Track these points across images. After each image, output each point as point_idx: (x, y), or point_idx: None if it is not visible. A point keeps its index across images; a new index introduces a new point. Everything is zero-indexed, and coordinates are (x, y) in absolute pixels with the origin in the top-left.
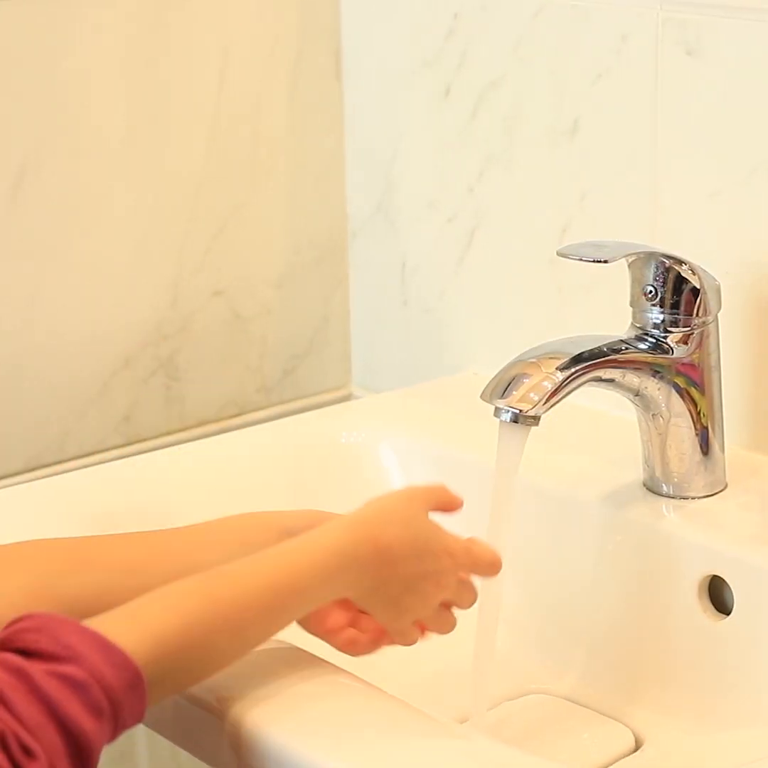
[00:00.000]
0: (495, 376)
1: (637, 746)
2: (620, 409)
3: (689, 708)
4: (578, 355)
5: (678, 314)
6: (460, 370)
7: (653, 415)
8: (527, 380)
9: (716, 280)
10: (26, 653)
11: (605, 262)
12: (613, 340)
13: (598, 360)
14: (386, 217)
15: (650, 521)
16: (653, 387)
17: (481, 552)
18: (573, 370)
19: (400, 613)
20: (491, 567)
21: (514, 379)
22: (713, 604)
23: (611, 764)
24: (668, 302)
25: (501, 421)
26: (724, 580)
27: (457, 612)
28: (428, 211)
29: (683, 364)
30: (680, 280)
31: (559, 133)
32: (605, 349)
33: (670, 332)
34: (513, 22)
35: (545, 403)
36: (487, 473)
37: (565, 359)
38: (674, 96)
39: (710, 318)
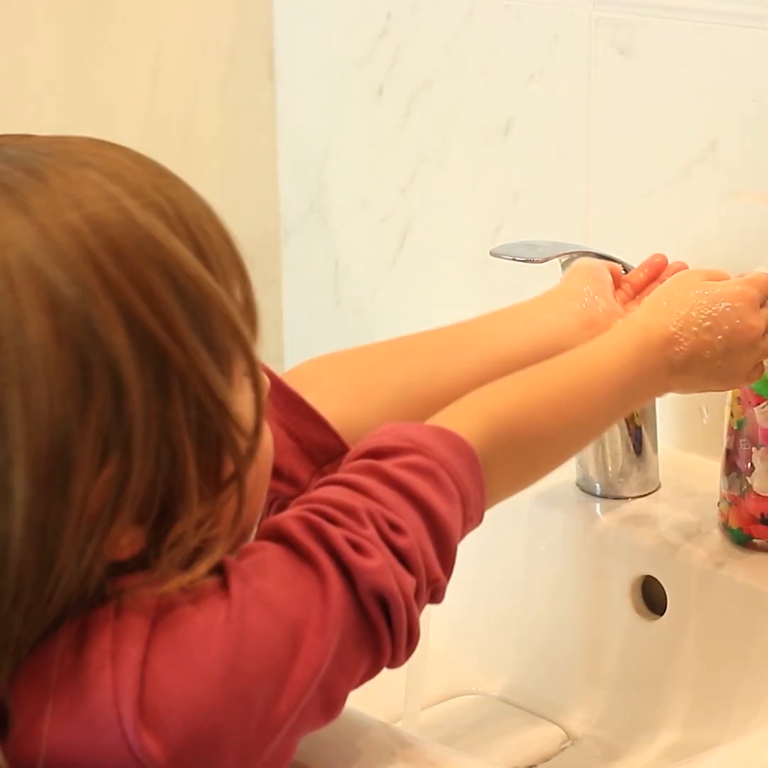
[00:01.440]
0: None
1: (569, 745)
2: None
3: (621, 708)
4: None
5: None
6: None
7: None
8: None
9: None
10: (374, 455)
11: (538, 262)
12: None
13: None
14: (319, 217)
15: (583, 521)
16: None
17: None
18: None
19: (732, 373)
20: None
21: None
22: (646, 604)
23: (542, 763)
24: None
25: None
26: (656, 580)
27: None
28: (361, 211)
29: None
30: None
31: (491, 133)
32: None
33: None
34: (445, 22)
35: None
36: None
37: None
38: (607, 96)
39: None
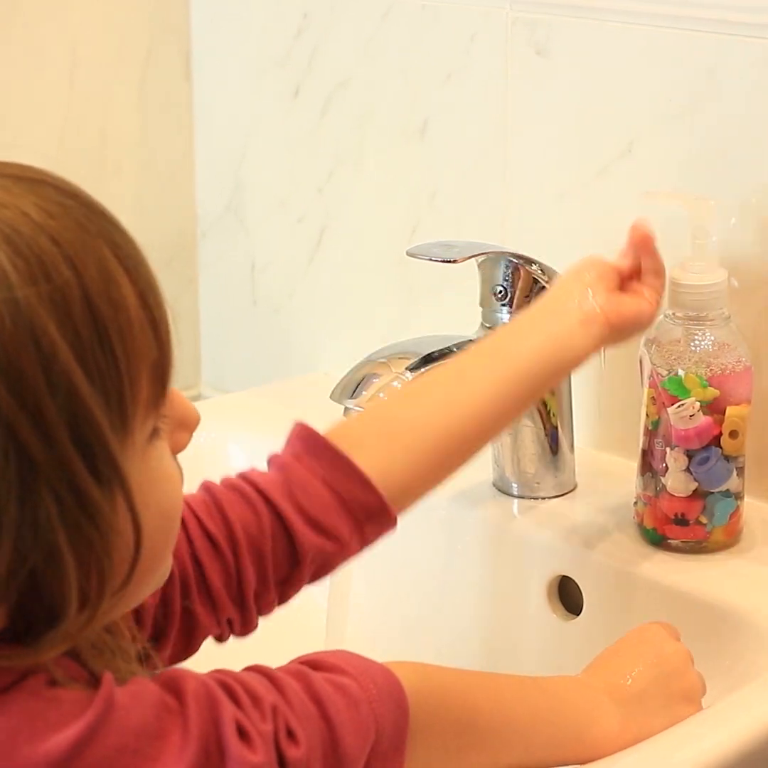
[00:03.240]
0: (345, 376)
1: None
2: None
3: None
4: (428, 355)
5: None
6: (310, 370)
7: None
8: (377, 380)
9: None
10: (311, 664)
11: (455, 261)
12: (463, 340)
13: (447, 360)
14: (236, 217)
15: (500, 521)
16: None
17: None
18: (422, 370)
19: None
20: None
21: (363, 379)
22: (563, 604)
23: None
24: (518, 302)
25: None
26: (573, 580)
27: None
28: (278, 211)
29: None
30: (530, 280)
31: (408, 133)
32: (455, 349)
33: None
34: (362, 21)
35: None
36: None
37: (415, 359)
38: (524, 96)
39: None
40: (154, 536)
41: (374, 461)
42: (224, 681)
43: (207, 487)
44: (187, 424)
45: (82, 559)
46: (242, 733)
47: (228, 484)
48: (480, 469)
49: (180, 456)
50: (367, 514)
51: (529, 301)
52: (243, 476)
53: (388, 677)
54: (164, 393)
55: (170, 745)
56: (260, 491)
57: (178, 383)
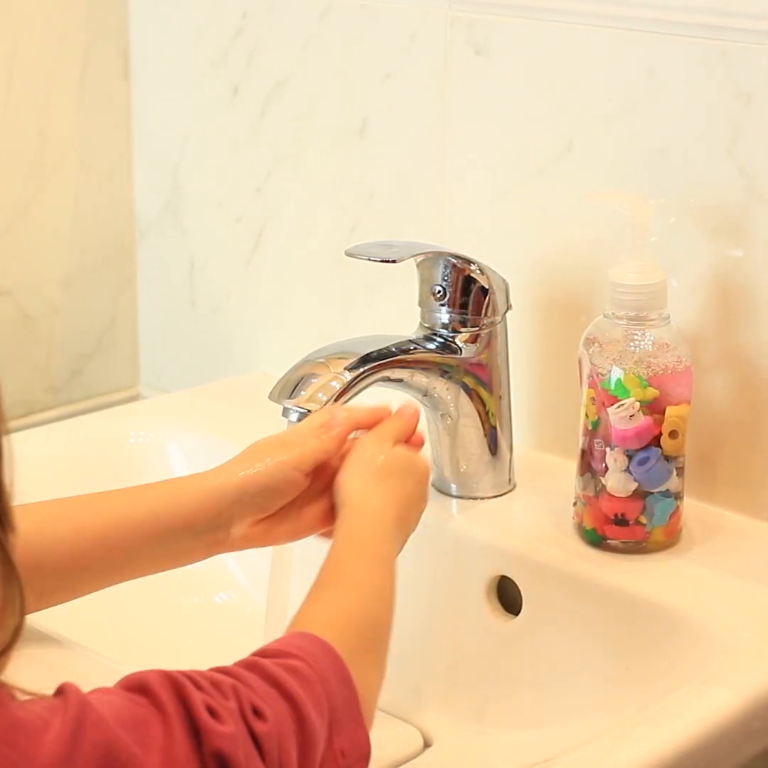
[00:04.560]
0: (283, 376)
1: (425, 746)
2: None
3: (478, 708)
4: (366, 355)
5: (466, 314)
6: (249, 369)
7: (441, 415)
8: (315, 380)
9: (504, 280)
10: (259, 654)
11: (393, 261)
12: (402, 340)
13: (386, 360)
14: (174, 217)
15: (438, 522)
16: (442, 387)
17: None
18: (361, 370)
19: None
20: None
21: (302, 379)
22: (501, 604)
23: (399, 765)
24: (457, 302)
25: (289, 421)
26: (512, 580)
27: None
28: (216, 211)
29: (472, 364)
30: (468, 280)
31: (347, 132)
32: (393, 349)
33: (459, 332)
34: (301, 21)
35: (333, 403)
36: None
37: (354, 359)
38: (463, 96)
39: (498, 318)
40: None
41: None
42: (182, 671)
43: None
44: None
45: None
46: (211, 711)
47: None
48: None
49: (120, 452)
50: None
51: (466, 301)
52: None
53: (329, 653)
54: None
55: (154, 730)
56: None
57: (117, 383)
